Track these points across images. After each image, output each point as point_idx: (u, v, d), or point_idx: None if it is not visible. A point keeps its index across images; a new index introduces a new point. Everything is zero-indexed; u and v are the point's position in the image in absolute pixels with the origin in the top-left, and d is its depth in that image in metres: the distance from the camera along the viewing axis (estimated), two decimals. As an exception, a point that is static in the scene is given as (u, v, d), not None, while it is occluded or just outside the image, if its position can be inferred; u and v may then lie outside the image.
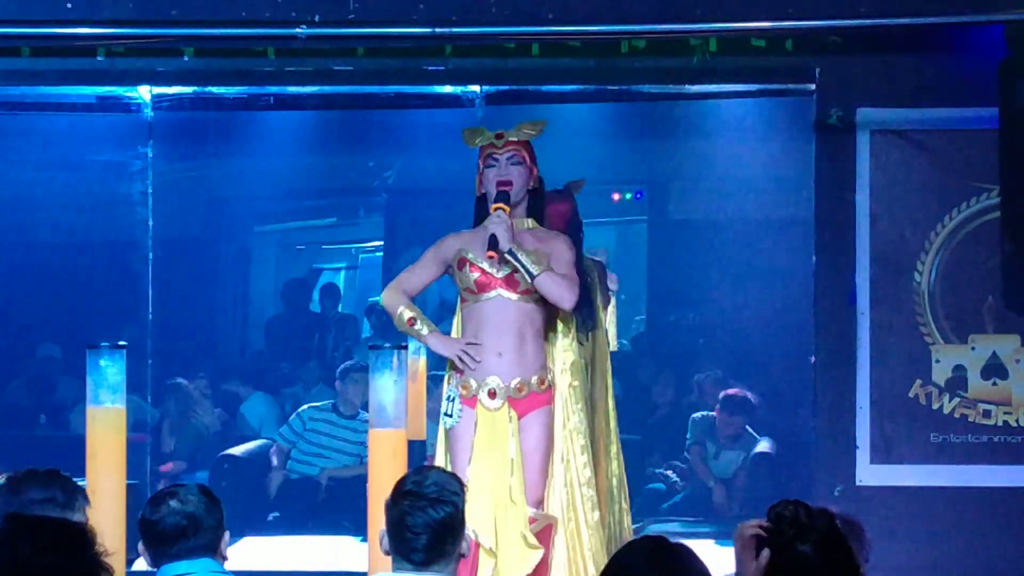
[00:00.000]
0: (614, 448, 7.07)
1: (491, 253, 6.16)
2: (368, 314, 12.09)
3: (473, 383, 6.26)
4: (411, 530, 4.13)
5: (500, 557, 6.12)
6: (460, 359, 6.25)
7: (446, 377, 6.42)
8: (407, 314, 6.34)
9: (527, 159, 6.37)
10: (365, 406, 9.82)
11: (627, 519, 7.11)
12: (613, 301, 7.65)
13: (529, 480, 6.21)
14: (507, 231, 6.15)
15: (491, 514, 6.11)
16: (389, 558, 4.26)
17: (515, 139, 6.37)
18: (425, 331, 6.33)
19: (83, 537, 3.14)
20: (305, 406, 10.00)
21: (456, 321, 6.57)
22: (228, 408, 10.74)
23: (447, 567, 4.16)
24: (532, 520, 6.18)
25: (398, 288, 6.44)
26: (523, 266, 6.17)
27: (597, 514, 6.39)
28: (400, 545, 4.15)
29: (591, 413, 6.67)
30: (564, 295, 6.22)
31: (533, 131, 6.40)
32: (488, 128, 6.48)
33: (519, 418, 6.23)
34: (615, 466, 7.04)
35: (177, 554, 4.14)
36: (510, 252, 6.16)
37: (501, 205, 6.23)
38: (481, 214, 6.44)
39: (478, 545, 6.03)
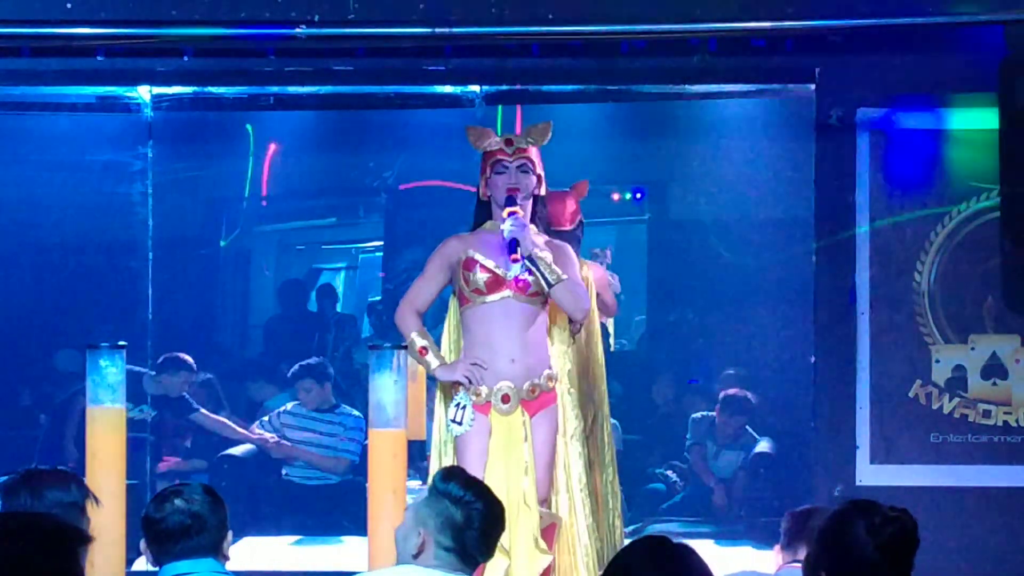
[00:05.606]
0: (608, 455, 7.07)
1: (515, 256, 6.15)
2: (368, 314, 12.09)
3: (485, 389, 6.25)
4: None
5: (511, 559, 6.13)
6: (468, 379, 6.23)
7: (450, 384, 6.38)
8: (419, 342, 6.31)
9: (536, 167, 6.36)
10: (343, 400, 9.90)
11: (620, 525, 7.12)
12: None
13: (537, 478, 6.22)
14: (527, 236, 6.16)
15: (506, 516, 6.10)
16: (389, 558, 4.26)
17: (525, 147, 6.35)
18: (435, 364, 6.30)
19: (69, 535, 3.14)
20: (277, 410, 9.94)
21: (451, 325, 6.54)
22: (229, 407, 10.73)
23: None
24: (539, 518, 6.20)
25: (411, 307, 6.39)
26: (542, 273, 6.17)
27: (593, 520, 6.40)
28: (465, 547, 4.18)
29: (586, 420, 6.67)
30: (579, 306, 6.23)
31: (542, 137, 6.38)
32: (492, 128, 6.46)
33: (530, 418, 6.25)
34: (610, 472, 7.05)
35: (180, 553, 4.14)
36: (529, 257, 6.16)
37: (515, 208, 6.21)
38: (482, 218, 6.43)
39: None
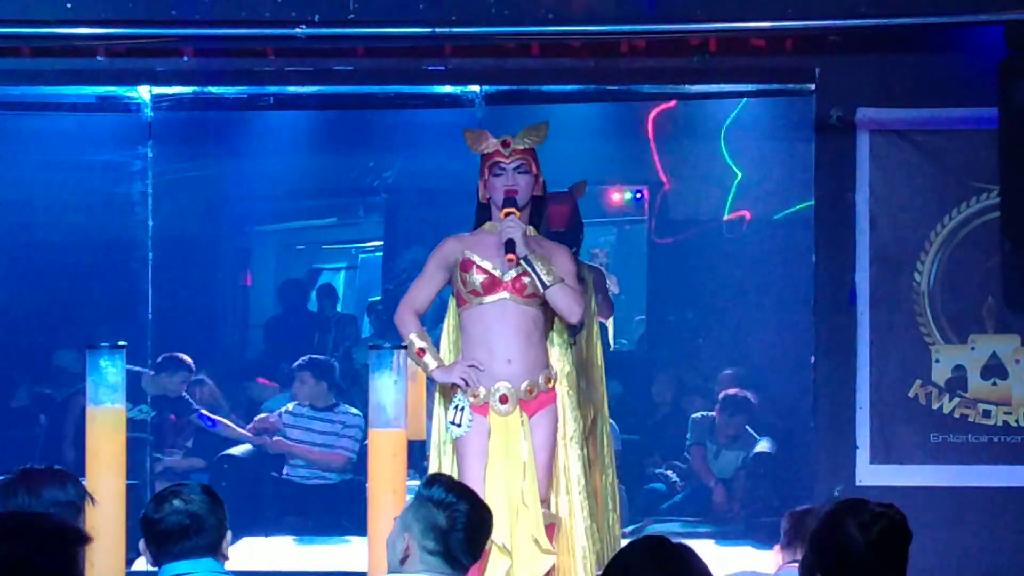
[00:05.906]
0: (608, 456, 7.07)
1: (510, 256, 6.14)
2: (368, 314, 12.10)
3: (482, 391, 6.25)
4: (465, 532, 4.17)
5: (512, 559, 6.12)
6: (465, 381, 6.23)
7: (449, 386, 6.38)
8: (417, 344, 6.32)
9: (533, 167, 6.36)
10: (343, 400, 9.89)
11: (617, 527, 7.12)
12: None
13: (536, 477, 6.22)
14: (523, 236, 6.15)
15: (506, 516, 6.10)
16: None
17: (522, 148, 6.35)
18: (432, 365, 6.31)
19: (69, 535, 3.14)
20: (278, 410, 9.96)
21: (450, 325, 6.54)
22: (229, 407, 10.74)
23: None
24: (538, 519, 6.20)
25: (410, 308, 6.40)
26: (537, 275, 6.16)
27: (592, 521, 6.40)
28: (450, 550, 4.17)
29: (585, 421, 6.67)
30: (574, 309, 6.22)
31: (538, 138, 6.38)
32: (488, 129, 6.46)
33: (528, 419, 6.25)
34: (610, 473, 7.05)
35: (179, 553, 4.15)
36: (525, 259, 6.16)
37: (512, 210, 6.21)
38: (482, 220, 6.43)
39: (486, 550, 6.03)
